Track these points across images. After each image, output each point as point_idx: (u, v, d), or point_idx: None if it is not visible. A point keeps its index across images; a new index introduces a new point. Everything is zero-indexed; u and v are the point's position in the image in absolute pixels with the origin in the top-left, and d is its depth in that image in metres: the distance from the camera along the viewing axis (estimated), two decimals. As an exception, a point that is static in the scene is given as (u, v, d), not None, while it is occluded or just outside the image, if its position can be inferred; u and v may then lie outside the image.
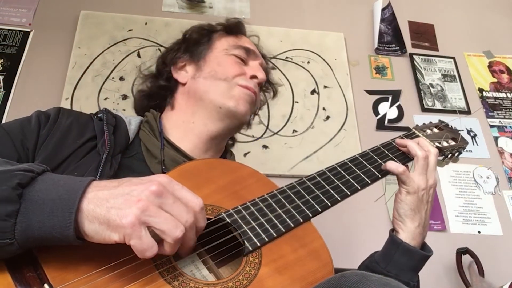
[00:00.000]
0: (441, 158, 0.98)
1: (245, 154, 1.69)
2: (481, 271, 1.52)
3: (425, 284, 1.51)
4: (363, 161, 0.89)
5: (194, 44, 1.02)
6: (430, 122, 1.06)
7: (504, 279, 1.38)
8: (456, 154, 1.01)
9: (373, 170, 0.87)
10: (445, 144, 0.98)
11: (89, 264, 0.58)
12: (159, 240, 0.57)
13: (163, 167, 0.86)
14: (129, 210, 0.55)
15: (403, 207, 0.85)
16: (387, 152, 0.92)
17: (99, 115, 0.90)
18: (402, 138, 0.95)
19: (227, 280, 0.64)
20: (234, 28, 1.04)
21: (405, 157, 0.91)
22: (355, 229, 1.61)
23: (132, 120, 0.95)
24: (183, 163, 0.82)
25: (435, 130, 1.02)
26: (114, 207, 0.55)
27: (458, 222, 1.68)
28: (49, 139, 0.81)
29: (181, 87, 1.00)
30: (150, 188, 0.57)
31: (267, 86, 1.14)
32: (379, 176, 0.87)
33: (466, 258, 1.57)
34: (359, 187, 0.83)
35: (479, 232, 1.67)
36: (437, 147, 0.95)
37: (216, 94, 0.93)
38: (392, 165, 0.86)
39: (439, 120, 1.07)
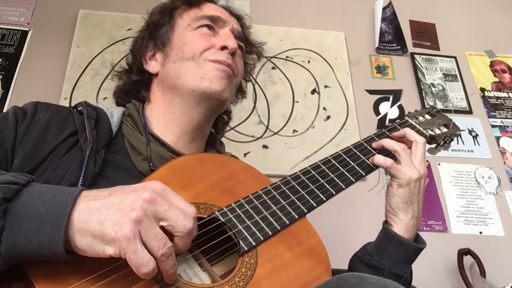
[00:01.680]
0: (433, 146, 0.96)
1: (245, 154, 1.68)
2: (482, 272, 1.51)
3: (426, 285, 1.50)
4: (357, 152, 0.87)
5: (156, 28, 0.96)
6: (422, 108, 1.04)
7: (506, 280, 1.37)
8: (449, 141, 0.99)
9: (368, 162, 0.85)
10: (437, 131, 0.96)
11: (80, 272, 0.56)
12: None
13: (151, 164, 0.82)
14: (124, 222, 0.52)
15: (395, 200, 0.83)
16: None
17: (78, 108, 0.85)
18: (375, 140, 0.89)
19: (223, 282, 0.63)
20: None
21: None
22: (353, 226, 1.59)
23: (114, 112, 0.90)
24: (172, 159, 0.79)
25: (427, 116, 1.00)
26: (108, 219, 0.52)
27: (459, 223, 1.66)
28: (27, 136, 0.77)
29: (155, 78, 0.95)
30: (142, 195, 0.54)
31: (251, 49, 1.06)
32: (374, 167, 0.85)
33: (468, 259, 1.56)
34: (353, 180, 0.81)
35: (480, 232, 1.65)
36: (430, 135, 0.93)
37: (187, 77, 0.87)
38: (380, 159, 0.84)
39: (431, 106, 1.05)
